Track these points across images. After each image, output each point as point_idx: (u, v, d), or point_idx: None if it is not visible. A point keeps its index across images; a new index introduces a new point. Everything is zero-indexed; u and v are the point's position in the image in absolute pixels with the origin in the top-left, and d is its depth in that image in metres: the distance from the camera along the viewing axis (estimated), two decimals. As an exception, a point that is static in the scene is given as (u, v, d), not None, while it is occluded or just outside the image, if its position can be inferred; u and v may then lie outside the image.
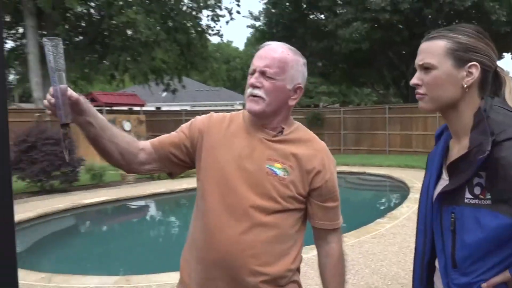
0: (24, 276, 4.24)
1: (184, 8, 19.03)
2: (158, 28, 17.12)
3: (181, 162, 1.60)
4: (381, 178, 11.95)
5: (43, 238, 6.75)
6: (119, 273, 4.56)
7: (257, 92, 1.47)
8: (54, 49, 1.23)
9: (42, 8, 15.45)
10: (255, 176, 1.47)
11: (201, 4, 18.92)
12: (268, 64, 1.46)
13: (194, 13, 19.20)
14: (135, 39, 16.78)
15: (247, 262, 1.43)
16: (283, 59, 1.49)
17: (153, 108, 26.50)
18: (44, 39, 1.24)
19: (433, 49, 1.26)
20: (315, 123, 17.99)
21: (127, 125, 14.80)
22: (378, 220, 6.51)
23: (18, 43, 19.39)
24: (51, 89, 1.25)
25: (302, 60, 1.56)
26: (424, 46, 1.29)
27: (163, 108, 28.47)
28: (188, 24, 18.83)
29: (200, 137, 1.57)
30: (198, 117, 1.65)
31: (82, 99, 1.33)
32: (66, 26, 17.96)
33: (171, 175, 1.67)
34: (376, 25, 17.19)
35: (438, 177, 1.34)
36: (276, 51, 1.50)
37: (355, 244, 5.31)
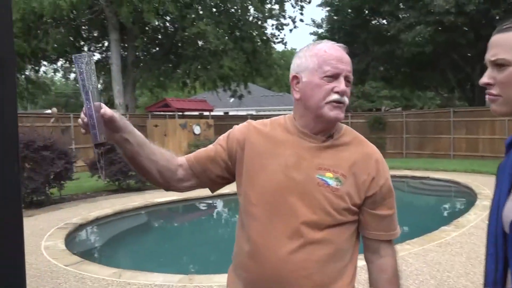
0: (98, 270, 4.30)
1: (250, 18, 19.08)
2: (226, 38, 17.30)
3: (220, 178, 1.42)
4: (445, 183, 11.10)
5: (118, 234, 6.91)
6: (184, 272, 4.48)
7: (345, 99, 1.27)
8: (87, 66, 1.11)
9: (124, 23, 16.13)
10: (305, 187, 1.26)
11: (266, 14, 18.86)
12: (350, 69, 1.28)
13: (259, 22, 19.19)
14: (205, 49, 17.04)
15: (300, 284, 1.23)
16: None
17: (221, 113, 26.89)
18: (74, 56, 1.11)
19: (509, 42, 0.98)
20: (377, 127, 17.25)
21: (197, 129, 15.02)
22: (443, 227, 5.96)
23: (103, 55, 20.43)
24: (84, 108, 1.12)
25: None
26: (497, 39, 1.01)
27: (231, 113, 28.79)
28: (254, 33, 18.84)
29: (239, 148, 1.37)
30: (236, 126, 1.44)
31: (118, 115, 1.19)
32: (145, 39, 18.66)
33: (211, 191, 1.48)
34: (440, 28, 16.17)
35: (510, 192, 1.05)
36: (344, 52, 1.31)
37: (419, 253, 4.87)
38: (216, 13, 18.09)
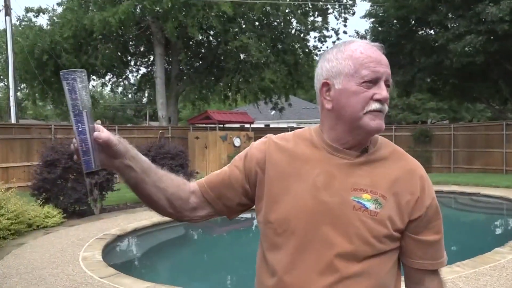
0: (132, 284, 4.24)
1: (293, 31, 19.01)
2: (268, 50, 17.28)
3: (237, 205, 1.23)
4: (498, 200, 10.36)
5: (155, 246, 6.88)
6: (220, 288, 4.33)
7: (386, 107, 1.10)
8: (79, 84, 0.97)
9: (168, 38, 16.51)
10: (339, 212, 1.07)
11: (309, 27, 18.72)
12: (389, 72, 1.11)
13: (302, 35, 19.07)
14: (247, 62, 17.10)
15: None
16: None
17: (262, 125, 26.84)
18: (63, 72, 0.97)
19: None
20: (423, 140, 16.53)
21: (237, 141, 14.99)
22: (497, 249, 5.48)
23: (149, 69, 20.98)
24: (75, 131, 0.98)
25: None
26: None
27: (272, 125, 28.69)
28: (296, 46, 18.73)
29: (259, 169, 1.18)
30: (254, 143, 1.25)
31: (115, 138, 1.04)
32: (188, 53, 19.00)
33: (228, 218, 1.30)
34: (492, 37, 15.36)
35: None
36: (381, 52, 1.13)
37: (471, 276, 4.46)
38: (259, 27, 18.16)
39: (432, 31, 19.28)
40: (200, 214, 1.23)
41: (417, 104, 29.77)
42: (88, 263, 4.94)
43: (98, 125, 1.02)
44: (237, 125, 17.99)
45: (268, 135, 1.26)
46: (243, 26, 17.36)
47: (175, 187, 1.17)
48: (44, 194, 7.51)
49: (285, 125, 24.06)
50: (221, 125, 16.22)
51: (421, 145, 16.36)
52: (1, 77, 28.59)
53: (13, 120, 14.33)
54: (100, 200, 8.18)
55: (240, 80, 18.03)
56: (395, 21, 19.28)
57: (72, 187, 7.56)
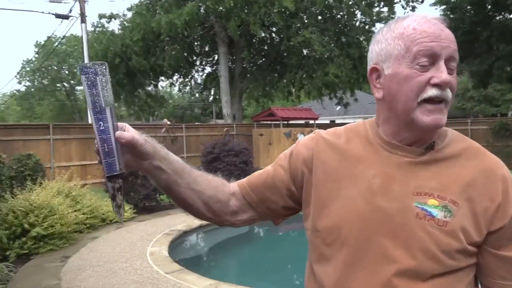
0: (195, 281, 4.25)
1: (357, 23, 18.40)
2: (332, 44, 16.87)
3: (283, 208, 1.10)
4: None
5: (220, 243, 6.92)
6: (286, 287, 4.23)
7: (448, 93, 0.90)
8: (100, 77, 0.87)
9: (231, 37, 16.69)
10: (399, 220, 0.90)
11: (374, 18, 17.99)
12: (454, 48, 0.91)
13: (367, 27, 18.39)
14: (310, 57, 16.82)
15: None
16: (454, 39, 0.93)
17: (327, 121, 26.36)
18: (81, 65, 0.87)
19: None
20: (503, 134, 15.23)
21: (301, 137, 14.66)
22: None
23: (213, 68, 21.39)
24: (96, 131, 0.88)
25: None
26: None
27: (337, 121, 28.10)
28: (361, 39, 18.10)
29: (305, 169, 1.04)
30: (300, 140, 1.11)
31: (142, 138, 0.94)
32: (251, 50, 19.10)
33: (274, 223, 1.17)
34: None
35: None
36: (442, 25, 0.93)
37: None
38: (322, 21, 17.79)
39: (512, 16, 17.74)
40: (242, 218, 1.12)
41: (496, 96, 27.62)
42: (155, 258, 5.06)
43: (122, 124, 0.93)
44: (302, 122, 17.78)
45: (317, 130, 1.12)
46: (306, 21, 17.09)
47: (212, 189, 1.07)
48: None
49: (351, 121, 23.36)
50: (285, 122, 16.11)
51: (501, 140, 15.10)
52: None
53: (89, 121, 15.23)
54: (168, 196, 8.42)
55: (304, 75, 17.77)
56: (468, 6, 17.98)
57: (141, 183, 7.85)
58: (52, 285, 4.31)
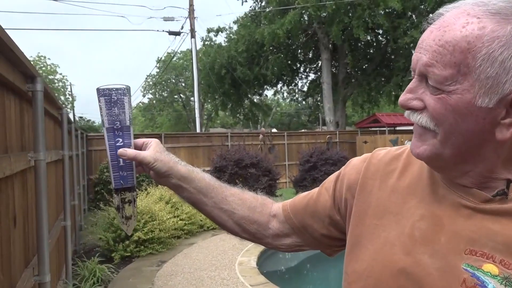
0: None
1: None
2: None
3: (327, 238, 0.93)
4: None
5: (310, 257, 6.69)
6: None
7: (415, 119, 0.70)
8: (123, 98, 0.93)
9: (334, 42, 16.35)
10: (437, 285, 0.66)
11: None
12: (430, 58, 0.65)
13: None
14: (419, 58, 15.70)
15: None
16: (465, 40, 0.63)
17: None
18: (104, 88, 0.92)
19: None
20: None
21: (409, 144, 13.83)
22: None
23: (317, 75, 21.19)
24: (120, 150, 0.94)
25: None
26: None
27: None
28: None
29: (349, 196, 0.86)
30: (353, 160, 0.93)
31: (152, 157, 0.93)
32: (356, 54, 18.49)
33: (327, 255, 1.00)
34: None
35: None
36: (449, 22, 0.65)
37: None
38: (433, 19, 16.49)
39: None
40: (286, 242, 1.00)
41: None
42: (242, 269, 5.05)
43: (148, 140, 0.98)
44: (410, 128, 16.62)
45: (377, 148, 0.92)
46: (415, 20, 16.00)
47: (246, 209, 0.98)
48: (214, 198, 8.13)
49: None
50: (391, 128, 15.22)
51: None
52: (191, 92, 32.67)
53: (197, 130, 16.13)
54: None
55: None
56: None
57: (238, 192, 8.01)
58: (145, 289, 4.54)
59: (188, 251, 6.02)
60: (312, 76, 21.56)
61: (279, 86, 21.89)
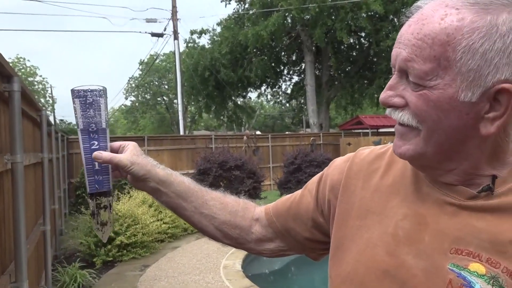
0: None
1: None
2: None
3: (310, 241, 0.90)
4: None
5: (295, 260, 6.68)
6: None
7: (397, 116, 0.67)
8: (98, 99, 0.90)
9: (318, 45, 16.45)
10: (422, 286, 0.64)
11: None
12: (409, 53, 0.63)
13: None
14: (401, 61, 15.92)
15: None
16: (444, 32, 0.60)
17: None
18: (79, 89, 0.88)
19: None
20: None
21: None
22: None
23: (301, 77, 21.29)
24: (82, 150, 0.90)
25: (502, 21, 0.59)
26: None
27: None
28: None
29: (332, 197, 0.83)
30: (336, 160, 0.90)
31: (128, 160, 0.90)
32: (339, 57, 18.63)
33: (312, 259, 0.97)
34: None
35: None
36: (427, 15, 0.62)
37: None
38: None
39: None
40: (269, 247, 0.96)
41: None
42: (227, 272, 5.00)
43: (114, 143, 0.93)
44: (392, 129, 16.85)
45: (361, 148, 0.89)
46: (397, 24, 16.21)
47: (228, 214, 0.95)
48: (198, 200, 8.07)
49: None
50: (375, 130, 15.37)
51: None
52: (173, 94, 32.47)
53: (181, 132, 16.00)
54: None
55: (394, 81, 16.87)
56: None
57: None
58: (127, 294, 4.45)
59: (172, 255, 5.94)
60: (295, 78, 21.65)
61: (263, 88, 21.91)
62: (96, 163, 0.89)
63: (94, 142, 0.89)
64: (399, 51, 0.64)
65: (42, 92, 36.59)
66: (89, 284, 4.70)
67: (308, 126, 40.14)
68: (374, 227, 0.73)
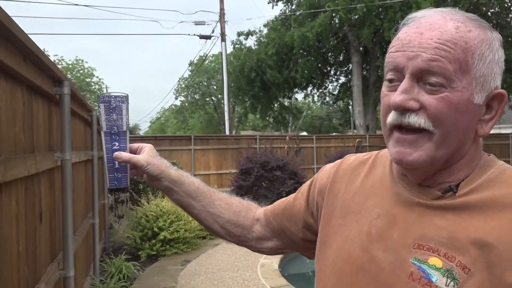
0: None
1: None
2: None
3: (303, 241, 0.98)
4: None
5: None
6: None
7: (412, 120, 0.68)
8: (120, 105, 1.00)
9: (365, 45, 16.16)
10: (386, 279, 0.70)
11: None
12: (429, 58, 0.66)
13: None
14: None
15: None
16: (463, 40, 0.66)
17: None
18: (104, 95, 0.99)
19: None
20: None
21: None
22: None
23: (348, 78, 20.98)
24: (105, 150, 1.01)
25: (494, 37, 0.69)
26: None
27: (493, 131, 24.82)
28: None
29: (320, 199, 0.91)
30: (326, 166, 0.98)
31: (145, 160, 1.00)
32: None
33: (308, 258, 1.05)
34: None
35: None
36: (440, 25, 0.67)
37: None
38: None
39: None
40: (267, 245, 1.06)
41: None
42: (264, 271, 5.09)
43: (133, 145, 1.04)
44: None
45: (348, 155, 0.97)
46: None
47: (231, 213, 1.05)
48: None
49: (509, 131, 20.50)
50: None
51: None
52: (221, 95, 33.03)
53: (227, 132, 16.28)
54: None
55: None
56: None
57: (263, 194, 8.04)
58: (168, 287, 4.64)
59: (213, 251, 6.12)
60: (342, 79, 21.36)
61: (309, 89, 21.80)
62: (116, 162, 0.99)
63: (115, 143, 0.99)
64: (414, 54, 0.66)
65: (99, 92, 38.44)
66: (134, 276, 4.96)
67: (355, 127, 39.51)
68: (352, 226, 0.80)
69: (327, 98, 23.48)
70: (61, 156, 2.52)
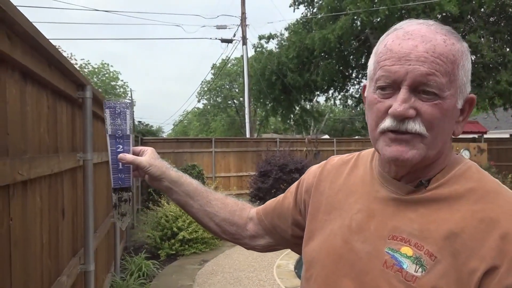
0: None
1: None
2: (508, 49, 14.74)
3: (293, 237, 1.06)
4: None
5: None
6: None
7: (410, 126, 0.75)
8: (124, 110, 1.07)
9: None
10: (364, 267, 0.79)
11: None
12: (425, 71, 0.73)
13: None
14: (478, 64, 14.97)
15: None
16: (451, 53, 0.75)
17: (506, 135, 22.93)
18: (110, 101, 1.06)
19: None
20: None
21: (466, 154, 13.22)
22: None
23: (370, 81, 20.77)
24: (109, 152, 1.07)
25: (466, 47, 0.79)
26: None
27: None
28: (546, 38, 15.36)
29: (307, 197, 1.00)
30: (312, 167, 1.07)
31: (147, 162, 1.07)
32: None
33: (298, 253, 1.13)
34: None
35: None
36: (431, 38, 0.75)
37: None
38: (493, 22, 15.71)
39: None
40: (260, 243, 1.14)
41: None
42: (280, 271, 5.15)
43: (136, 148, 1.10)
44: (468, 136, 15.92)
45: (332, 156, 1.06)
46: (474, 24, 15.32)
47: (227, 212, 1.12)
48: (258, 201, 8.29)
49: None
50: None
51: None
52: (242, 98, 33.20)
53: (247, 135, 16.40)
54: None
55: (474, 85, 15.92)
56: None
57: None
58: (186, 285, 4.77)
59: (230, 252, 6.22)
60: (364, 82, 21.16)
61: (330, 92, 21.69)
62: (120, 164, 1.05)
63: (120, 145, 1.06)
64: (413, 68, 0.73)
65: (123, 95, 39.20)
66: (153, 274, 5.10)
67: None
68: (335, 220, 0.89)
69: (349, 101, 23.31)
70: (83, 156, 2.66)
